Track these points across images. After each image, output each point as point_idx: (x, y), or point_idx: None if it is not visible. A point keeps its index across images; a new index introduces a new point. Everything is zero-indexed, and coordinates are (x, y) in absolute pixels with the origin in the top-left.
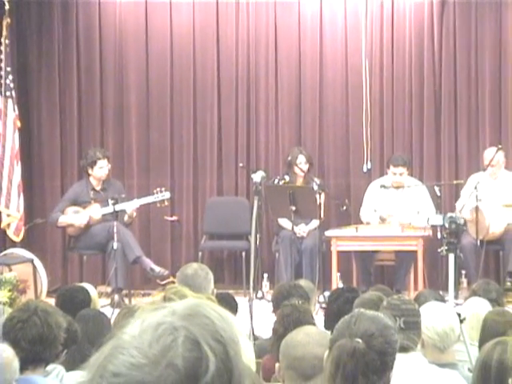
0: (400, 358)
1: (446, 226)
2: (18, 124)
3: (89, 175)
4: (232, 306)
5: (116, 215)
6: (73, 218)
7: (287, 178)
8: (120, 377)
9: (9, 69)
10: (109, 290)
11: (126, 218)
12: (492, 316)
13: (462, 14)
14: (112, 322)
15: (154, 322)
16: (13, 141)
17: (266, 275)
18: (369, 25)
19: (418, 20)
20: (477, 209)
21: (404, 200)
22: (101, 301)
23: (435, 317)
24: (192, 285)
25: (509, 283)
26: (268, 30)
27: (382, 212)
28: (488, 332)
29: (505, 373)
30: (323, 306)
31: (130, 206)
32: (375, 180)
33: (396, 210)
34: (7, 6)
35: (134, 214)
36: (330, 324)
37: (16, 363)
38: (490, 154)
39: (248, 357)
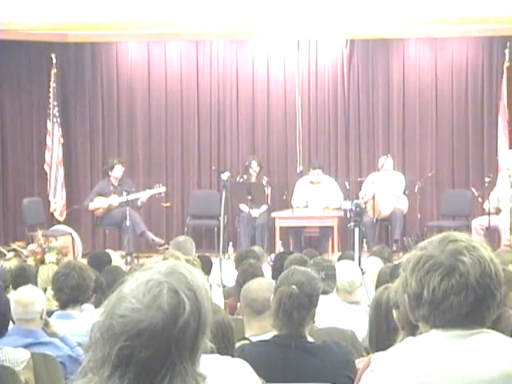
0: (322, 298)
1: (353, 209)
2: (61, 140)
3: (109, 176)
4: (209, 264)
5: (128, 203)
6: (99, 204)
7: (245, 177)
8: (124, 318)
9: (55, 103)
10: (123, 253)
11: (139, 203)
12: (384, 269)
13: (363, 66)
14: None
15: (145, 279)
16: (58, 152)
17: (230, 243)
18: (300, 74)
19: (334, 70)
20: (373, 197)
21: (321, 191)
22: (118, 261)
23: (345, 270)
24: (182, 249)
25: (394, 247)
26: (231, 78)
27: (300, 204)
28: (381, 280)
29: (390, 308)
30: (270, 263)
31: (145, 195)
32: (300, 178)
33: (316, 198)
34: (54, 60)
35: (145, 201)
36: (275, 276)
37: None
38: (382, 160)
39: (213, 299)
